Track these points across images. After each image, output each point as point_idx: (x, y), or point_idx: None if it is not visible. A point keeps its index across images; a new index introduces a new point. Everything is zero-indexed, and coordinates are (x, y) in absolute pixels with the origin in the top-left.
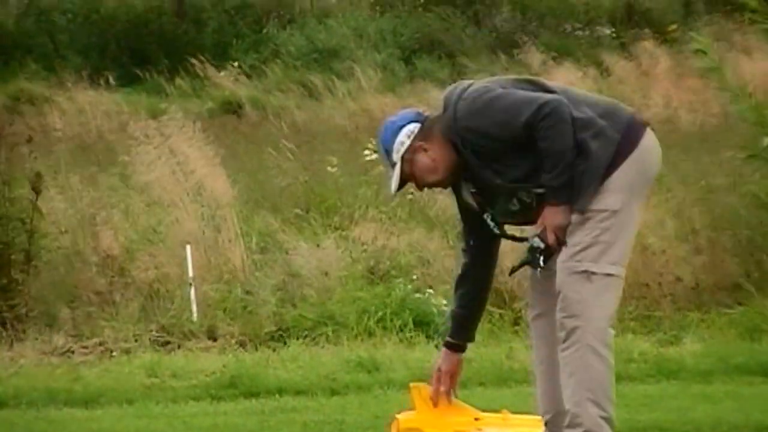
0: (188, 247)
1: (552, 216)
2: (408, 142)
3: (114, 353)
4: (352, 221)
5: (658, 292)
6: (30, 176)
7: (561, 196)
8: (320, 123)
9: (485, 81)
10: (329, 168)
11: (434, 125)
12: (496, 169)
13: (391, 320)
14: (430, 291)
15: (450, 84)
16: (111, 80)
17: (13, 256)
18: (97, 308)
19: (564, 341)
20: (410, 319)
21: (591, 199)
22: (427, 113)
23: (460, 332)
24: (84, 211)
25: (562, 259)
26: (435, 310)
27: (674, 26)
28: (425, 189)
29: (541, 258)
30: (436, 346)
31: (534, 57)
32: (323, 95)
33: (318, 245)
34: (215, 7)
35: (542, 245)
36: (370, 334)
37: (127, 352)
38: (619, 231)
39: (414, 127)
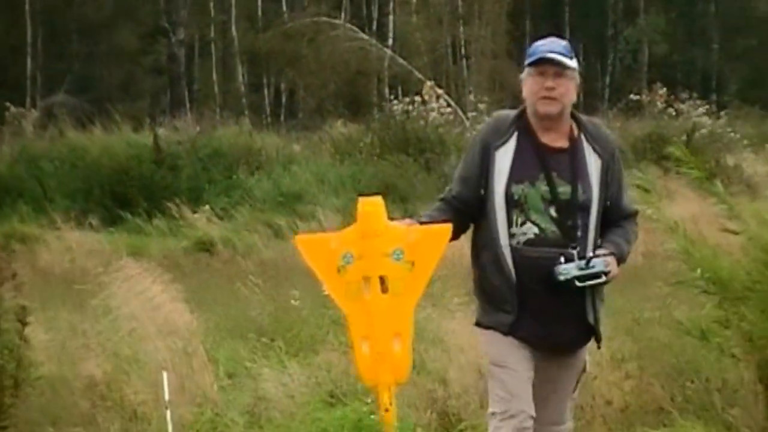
0: (164, 373)
1: (616, 267)
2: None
3: None
4: (314, 349)
5: (590, 414)
6: (16, 309)
7: (622, 261)
8: (284, 260)
9: None
10: (293, 301)
11: None
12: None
13: None
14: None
15: None
16: (94, 222)
17: (3, 382)
18: (81, 429)
19: None
20: None
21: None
22: None
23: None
24: (68, 342)
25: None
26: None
27: None
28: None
29: (599, 281)
30: None
31: None
32: (287, 235)
33: (283, 371)
34: (190, 155)
35: (608, 271)
36: None
37: None
38: None
39: None
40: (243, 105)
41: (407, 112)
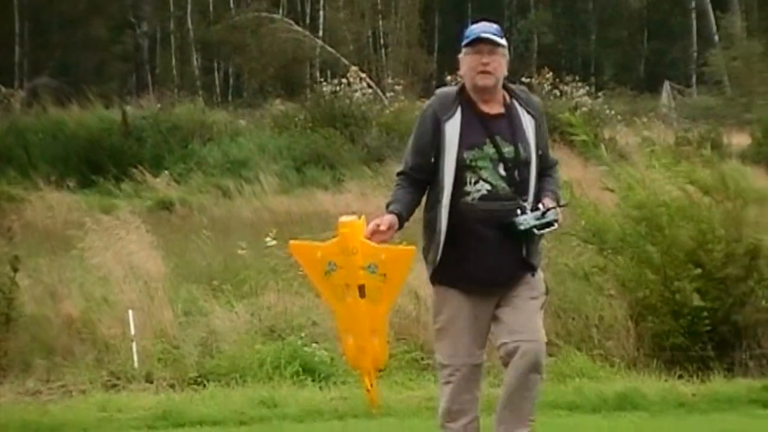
0: (130, 311)
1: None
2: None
3: (73, 393)
4: (256, 292)
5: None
6: (10, 258)
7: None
8: (232, 217)
9: None
10: (239, 251)
11: None
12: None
13: (285, 368)
14: (316, 345)
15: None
16: (72, 184)
17: None
18: (60, 359)
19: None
20: (300, 367)
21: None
22: None
23: (398, 205)
24: (50, 285)
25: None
26: (319, 360)
27: None
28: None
29: (552, 228)
30: (321, 388)
31: (394, 167)
32: (234, 195)
33: (231, 310)
34: (152, 128)
35: (558, 219)
36: (270, 378)
37: (84, 392)
38: None
39: None
40: (197, 86)
41: (335, 92)
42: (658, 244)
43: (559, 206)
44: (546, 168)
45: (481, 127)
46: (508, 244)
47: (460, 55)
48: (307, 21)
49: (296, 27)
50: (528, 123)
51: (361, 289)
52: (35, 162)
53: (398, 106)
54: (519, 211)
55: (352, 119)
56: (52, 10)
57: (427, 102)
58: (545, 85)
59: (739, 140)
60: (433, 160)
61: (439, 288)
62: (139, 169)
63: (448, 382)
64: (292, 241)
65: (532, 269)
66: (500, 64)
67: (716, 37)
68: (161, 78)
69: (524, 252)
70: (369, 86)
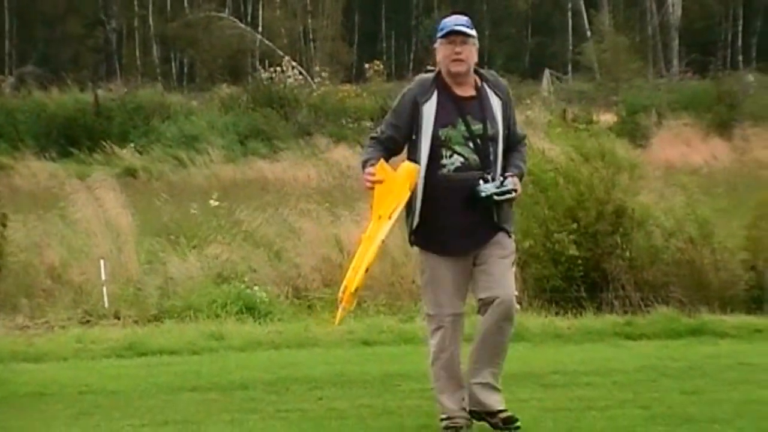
0: (102, 261)
1: (519, 184)
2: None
3: (54, 328)
4: (206, 244)
5: (400, 288)
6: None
7: (522, 177)
8: (186, 183)
9: None
10: (192, 210)
11: None
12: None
13: (230, 307)
14: (256, 288)
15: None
16: (52, 155)
17: None
18: (44, 300)
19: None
20: (242, 306)
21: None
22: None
23: (374, 159)
24: (34, 238)
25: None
26: (258, 301)
27: None
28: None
29: (511, 196)
30: (260, 324)
31: (321, 141)
32: (188, 164)
33: (185, 259)
34: (120, 108)
35: (516, 188)
36: (217, 316)
37: (63, 327)
38: None
39: None
40: (157, 73)
41: (272, 78)
42: (543, 203)
43: (521, 179)
44: (514, 143)
45: (454, 108)
46: (480, 210)
47: (436, 45)
48: (249, 19)
49: (240, 24)
50: (496, 104)
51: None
52: (22, 137)
53: (324, 90)
54: (482, 181)
55: (285, 101)
56: (35, 9)
57: (408, 86)
58: None
59: (607, 118)
60: (413, 136)
61: (420, 250)
62: (108, 143)
63: (437, 329)
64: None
65: (504, 231)
66: (471, 52)
67: (588, 33)
68: (127, 66)
69: (495, 218)
70: (300, 73)
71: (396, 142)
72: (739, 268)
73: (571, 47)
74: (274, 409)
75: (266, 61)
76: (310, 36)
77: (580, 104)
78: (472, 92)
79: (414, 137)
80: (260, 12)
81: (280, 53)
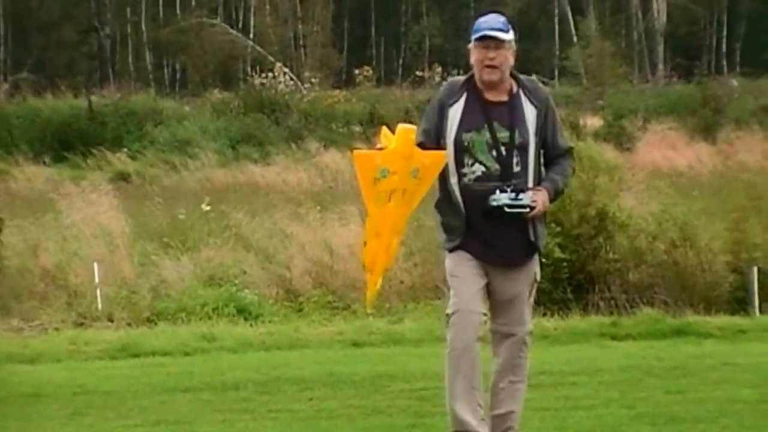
0: (96, 264)
1: (545, 201)
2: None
3: (49, 330)
4: (198, 248)
5: (389, 290)
6: None
7: (555, 196)
8: (178, 187)
9: None
10: (180, 216)
11: None
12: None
13: (222, 309)
14: (247, 290)
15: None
16: (47, 160)
17: None
18: (38, 302)
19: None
20: (234, 308)
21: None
22: None
23: None
24: (29, 242)
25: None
26: (249, 303)
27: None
28: (487, 76)
29: (524, 211)
30: (251, 326)
31: (312, 145)
32: (180, 169)
33: (178, 262)
34: (113, 113)
35: (533, 205)
36: (209, 318)
37: (57, 329)
38: None
39: None
40: (150, 79)
41: (263, 84)
42: None
43: (555, 195)
44: (555, 155)
45: (481, 113)
46: (514, 225)
47: (470, 46)
48: (240, 25)
49: (231, 30)
50: (530, 111)
51: (390, 195)
52: (17, 142)
53: (314, 95)
54: (497, 191)
55: (276, 106)
56: (31, 16)
57: (440, 88)
58: (435, 77)
59: (593, 122)
60: (441, 141)
61: (454, 253)
62: (102, 148)
63: (453, 324)
64: (356, 151)
65: (537, 252)
66: (506, 57)
67: (575, 38)
68: (120, 72)
69: (531, 235)
70: (291, 79)
71: (426, 149)
72: (723, 270)
73: (557, 52)
74: (265, 409)
75: (257, 67)
76: (301, 42)
77: (566, 109)
78: (503, 97)
79: (441, 141)
80: (251, 18)
81: (271, 59)
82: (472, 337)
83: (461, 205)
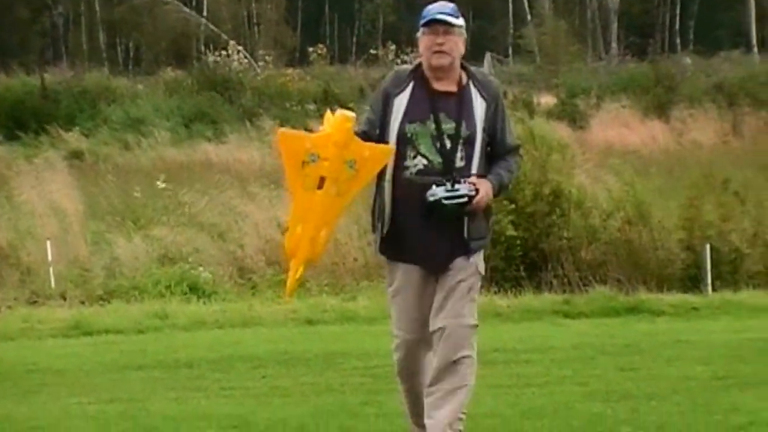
0: (48, 242)
1: (488, 190)
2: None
3: (1, 308)
4: (150, 226)
5: (343, 268)
6: None
7: (499, 190)
8: (131, 165)
9: None
10: (135, 194)
11: None
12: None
13: (175, 287)
14: (201, 269)
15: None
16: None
17: None
18: None
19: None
20: (187, 286)
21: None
22: None
23: None
24: None
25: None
26: (203, 281)
27: (352, 103)
28: (438, 62)
29: (463, 201)
30: (204, 303)
31: (266, 123)
32: (134, 147)
33: (131, 240)
34: (66, 92)
35: (473, 194)
36: (162, 296)
37: (10, 307)
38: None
39: None
40: (103, 57)
41: (216, 62)
42: None
43: (499, 190)
44: (502, 152)
45: (427, 103)
46: (447, 223)
47: (418, 35)
48: (194, 3)
49: (185, 8)
50: (479, 104)
51: (322, 181)
52: None
53: (268, 73)
54: (434, 185)
55: (230, 84)
56: None
57: (385, 77)
58: (389, 55)
59: (547, 100)
60: (378, 132)
61: (387, 260)
62: (55, 126)
63: (396, 349)
64: (281, 130)
65: (470, 251)
66: (456, 43)
67: (529, 17)
68: (73, 51)
69: (466, 232)
70: (244, 57)
71: (370, 138)
72: (676, 247)
73: (511, 31)
74: (218, 387)
75: (211, 45)
76: (254, 20)
77: (520, 86)
78: (452, 88)
79: (379, 132)
80: None
81: (225, 37)
82: (419, 362)
83: (389, 201)
